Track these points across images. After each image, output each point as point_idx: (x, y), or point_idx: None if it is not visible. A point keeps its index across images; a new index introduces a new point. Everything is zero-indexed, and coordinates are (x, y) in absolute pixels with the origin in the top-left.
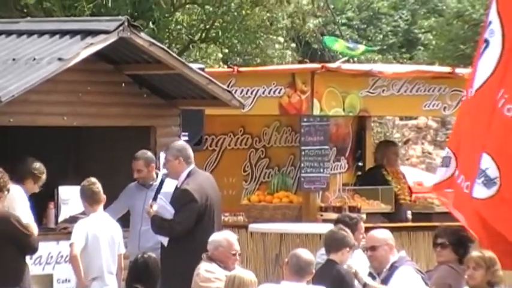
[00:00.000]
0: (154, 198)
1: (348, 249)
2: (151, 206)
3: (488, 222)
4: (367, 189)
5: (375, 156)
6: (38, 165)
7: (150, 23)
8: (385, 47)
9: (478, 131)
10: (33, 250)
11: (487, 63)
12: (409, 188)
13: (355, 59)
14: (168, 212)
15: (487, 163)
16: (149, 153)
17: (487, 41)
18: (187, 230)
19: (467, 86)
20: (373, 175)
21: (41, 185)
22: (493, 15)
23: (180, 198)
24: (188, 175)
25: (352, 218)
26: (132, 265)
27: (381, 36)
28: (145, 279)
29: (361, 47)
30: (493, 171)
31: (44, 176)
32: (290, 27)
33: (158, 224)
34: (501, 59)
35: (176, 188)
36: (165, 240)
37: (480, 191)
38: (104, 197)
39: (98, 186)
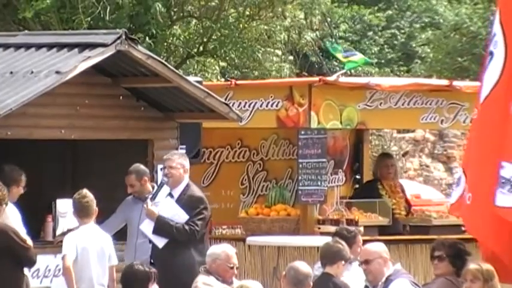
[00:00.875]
0: (152, 199)
1: (343, 262)
2: (148, 207)
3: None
4: (364, 202)
5: (373, 170)
6: (15, 169)
7: (147, 36)
8: (382, 61)
9: (490, 141)
10: (31, 263)
11: (491, 75)
12: (407, 201)
13: (352, 71)
14: (181, 218)
15: (510, 171)
16: (141, 167)
17: (491, 53)
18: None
19: (476, 104)
20: (368, 189)
21: (24, 186)
22: (496, 27)
23: (198, 204)
24: (188, 185)
25: (350, 231)
26: (121, 277)
27: (376, 48)
28: None
29: (358, 55)
30: None
31: (23, 177)
32: (287, 41)
33: (169, 226)
34: (504, 68)
35: (170, 196)
36: (161, 243)
37: (506, 200)
38: (95, 209)
39: (88, 200)
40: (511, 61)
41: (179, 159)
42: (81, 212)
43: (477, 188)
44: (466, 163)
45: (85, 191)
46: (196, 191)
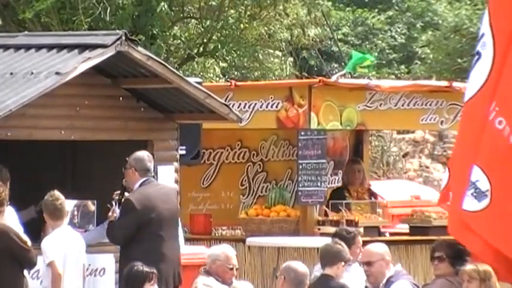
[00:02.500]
0: (118, 204)
1: (343, 263)
2: (113, 212)
3: (477, 235)
4: (364, 203)
5: (341, 176)
6: (1, 168)
7: (148, 37)
8: (383, 62)
9: (469, 143)
10: (31, 265)
11: (478, 75)
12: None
13: (351, 73)
14: None
15: (477, 175)
16: None
17: (478, 53)
18: (127, 237)
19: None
20: (336, 196)
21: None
22: (485, 28)
23: (122, 206)
24: (139, 186)
25: (349, 232)
26: (123, 277)
27: (377, 51)
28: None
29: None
30: (483, 184)
31: (6, 172)
32: (289, 40)
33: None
34: (492, 71)
35: None
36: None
37: (470, 204)
38: (67, 211)
39: (62, 202)
40: (497, 64)
41: (130, 160)
42: (55, 214)
43: (454, 188)
44: (451, 161)
45: (57, 193)
46: (135, 192)
